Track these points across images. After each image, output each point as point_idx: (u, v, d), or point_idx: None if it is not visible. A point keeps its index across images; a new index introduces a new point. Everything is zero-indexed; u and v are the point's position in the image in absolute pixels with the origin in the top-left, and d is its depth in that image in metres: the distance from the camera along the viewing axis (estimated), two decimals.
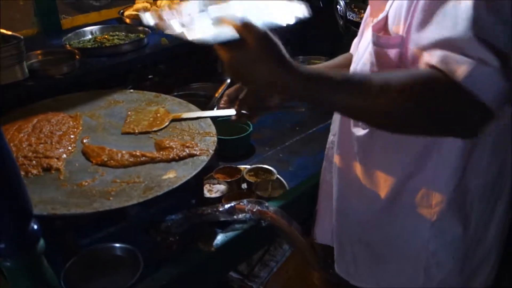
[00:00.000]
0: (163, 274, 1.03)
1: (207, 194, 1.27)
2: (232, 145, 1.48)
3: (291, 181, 1.36)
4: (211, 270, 1.14)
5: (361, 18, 1.11)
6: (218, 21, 0.75)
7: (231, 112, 1.18)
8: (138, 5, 1.95)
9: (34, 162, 1.07)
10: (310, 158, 1.47)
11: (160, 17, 0.80)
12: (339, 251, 1.11)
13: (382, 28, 0.85)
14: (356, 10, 1.92)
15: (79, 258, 1.00)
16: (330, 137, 1.15)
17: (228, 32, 0.73)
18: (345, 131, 1.02)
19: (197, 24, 0.78)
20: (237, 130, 1.51)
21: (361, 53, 0.96)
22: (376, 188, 0.97)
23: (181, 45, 1.70)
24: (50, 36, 1.74)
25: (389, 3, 0.84)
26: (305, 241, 1.15)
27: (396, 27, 0.81)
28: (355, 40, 1.12)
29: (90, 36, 1.74)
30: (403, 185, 0.93)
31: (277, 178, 1.36)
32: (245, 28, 0.71)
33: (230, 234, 1.14)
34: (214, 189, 1.29)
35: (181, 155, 1.11)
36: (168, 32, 0.78)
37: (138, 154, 1.11)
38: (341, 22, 1.80)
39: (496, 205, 0.97)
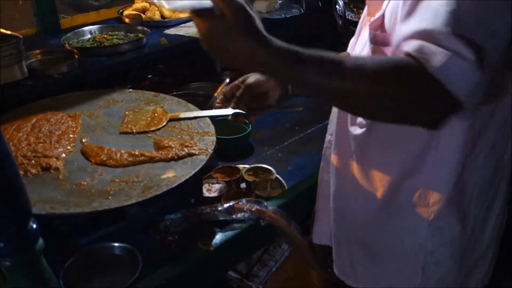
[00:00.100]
0: (162, 274, 1.03)
1: (206, 194, 1.27)
2: (231, 145, 1.48)
3: (290, 181, 1.36)
4: (210, 270, 1.15)
5: (360, 18, 1.11)
6: None
7: (229, 111, 1.19)
8: (137, 5, 1.95)
9: (33, 161, 1.07)
10: (309, 158, 1.47)
11: None
12: (337, 251, 1.11)
13: (379, 26, 0.85)
14: (355, 10, 1.92)
15: (78, 257, 1.00)
16: (328, 137, 1.15)
17: (207, 2, 0.72)
18: (342, 130, 1.02)
19: None
20: (236, 129, 1.51)
21: (358, 52, 0.96)
22: (373, 187, 0.97)
23: (180, 45, 1.70)
24: (49, 36, 1.74)
25: (385, 2, 0.84)
26: (304, 241, 1.15)
27: (393, 26, 0.81)
28: (352, 40, 1.12)
29: (89, 36, 1.74)
30: (400, 184, 0.93)
31: (276, 177, 1.36)
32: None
33: (229, 233, 1.15)
34: (213, 189, 1.29)
35: (180, 155, 1.11)
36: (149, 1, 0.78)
37: (137, 153, 1.11)
38: (340, 22, 1.80)
39: (494, 202, 0.97)
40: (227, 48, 0.72)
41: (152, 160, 1.10)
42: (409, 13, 0.73)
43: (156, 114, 1.30)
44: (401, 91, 0.69)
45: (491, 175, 0.94)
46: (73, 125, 1.24)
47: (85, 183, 1.03)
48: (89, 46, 1.64)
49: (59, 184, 1.02)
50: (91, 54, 1.58)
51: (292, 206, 1.26)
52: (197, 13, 0.73)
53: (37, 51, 1.56)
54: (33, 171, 1.05)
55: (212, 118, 1.29)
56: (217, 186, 1.30)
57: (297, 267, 1.43)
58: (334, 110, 1.10)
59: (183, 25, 1.82)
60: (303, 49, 0.72)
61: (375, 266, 1.03)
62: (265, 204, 1.10)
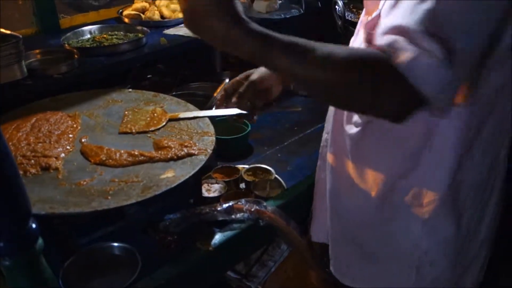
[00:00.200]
0: (162, 274, 1.03)
1: (205, 194, 1.27)
2: (230, 145, 1.48)
3: (289, 181, 1.36)
4: (210, 270, 1.15)
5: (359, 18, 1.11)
6: None
7: (229, 112, 1.18)
8: (137, 5, 1.95)
9: (32, 161, 1.07)
10: (308, 158, 1.47)
11: None
12: (333, 250, 1.11)
13: (375, 26, 0.86)
14: (354, 10, 1.92)
15: (77, 257, 1.00)
16: (324, 135, 1.15)
17: None
18: (337, 129, 1.03)
19: None
20: (236, 130, 1.51)
21: None
22: (368, 186, 0.97)
23: (180, 45, 1.70)
24: (49, 36, 1.74)
25: (381, 2, 0.85)
26: (303, 241, 1.15)
27: None
28: (352, 40, 1.12)
29: (89, 36, 1.74)
30: (394, 184, 0.93)
31: (275, 177, 1.36)
32: None
33: (228, 233, 1.15)
34: (212, 189, 1.29)
35: (179, 155, 1.11)
36: None
37: (136, 153, 1.11)
38: (340, 23, 1.80)
39: (489, 201, 0.97)
40: (205, 27, 0.74)
41: (151, 160, 1.10)
42: (391, 9, 0.74)
43: (155, 114, 1.30)
44: (367, 82, 0.71)
45: (486, 175, 0.94)
46: (73, 125, 1.24)
47: (85, 183, 1.03)
48: (88, 46, 1.64)
49: (59, 184, 1.02)
50: (91, 54, 1.58)
51: (292, 206, 1.26)
52: None
53: (37, 51, 1.56)
54: (33, 171, 1.05)
55: (211, 118, 1.29)
56: (217, 186, 1.30)
57: (296, 267, 1.43)
58: (331, 109, 1.10)
59: (182, 25, 1.81)
60: (277, 34, 0.74)
61: (371, 266, 1.03)
62: (265, 204, 1.10)
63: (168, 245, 1.07)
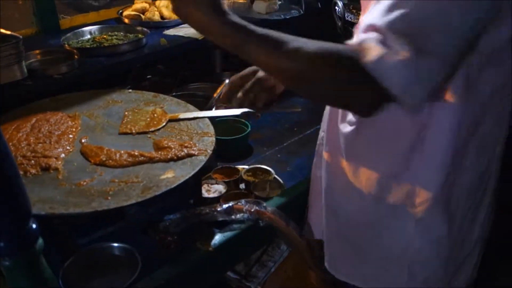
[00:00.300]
0: (161, 274, 1.03)
1: (205, 194, 1.27)
2: (230, 145, 1.48)
3: (289, 181, 1.36)
4: (209, 270, 1.15)
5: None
6: None
7: (228, 112, 1.18)
8: (137, 5, 1.96)
9: (32, 161, 1.07)
10: (308, 159, 1.46)
11: None
12: (328, 247, 1.11)
13: None
14: (354, 11, 1.92)
15: (77, 257, 1.00)
16: (321, 134, 1.16)
17: None
18: (332, 128, 1.03)
19: None
20: (236, 130, 1.51)
21: None
22: (362, 185, 0.97)
23: (180, 45, 1.70)
24: (49, 36, 1.74)
25: (373, 2, 0.85)
26: (303, 241, 1.15)
27: None
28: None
29: (89, 36, 1.74)
30: (387, 183, 0.94)
31: (275, 178, 1.36)
32: None
33: (228, 234, 1.15)
34: (212, 189, 1.29)
35: (179, 155, 1.11)
36: None
37: (136, 154, 1.12)
38: (339, 23, 1.80)
39: (482, 202, 0.98)
40: (189, 16, 0.82)
41: (151, 160, 1.10)
42: (372, 8, 0.76)
43: (155, 115, 1.30)
44: (332, 76, 0.75)
45: (480, 176, 0.94)
46: (73, 125, 1.24)
47: (85, 183, 1.03)
48: (88, 46, 1.65)
49: (59, 184, 1.02)
50: (91, 54, 1.58)
51: (291, 207, 1.26)
52: None
53: (37, 51, 1.56)
54: (33, 171, 1.05)
55: (211, 118, 1.30)
56: (216, 186, 1.30)
57: (296, 268, 1.43)
58: (327, 107, 1.11)
59: (182, 25, 1.82)
60: (254, 27, 0.80)
61: (364, 264, 1.04)
62: (264, 204, 1.10)
63: (168, 245, 1.07)
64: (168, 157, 1.11)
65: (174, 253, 1.08)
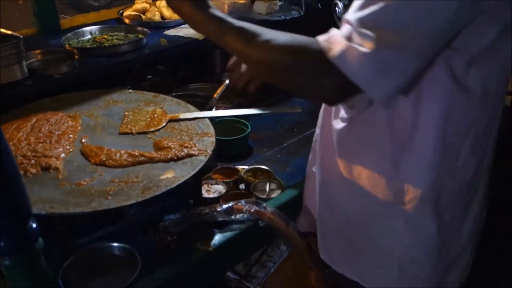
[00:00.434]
0: (161, 274, 1.03)
1: (205, 194, 1.27)
2: (230, 146, 1.48)
3: (288, 182, 1.36)
4: (209, 270, 1.15)
5: None
6: None
7: (229, 112, 1.19)
8: (137, 6, 1.96)
9: (33, 161, 1.07)
10: (307, 159, 1.47)
11: None
12: (322, 241, 1.12)
13: None
14: None
15: (77, 257, 1.00)
16: (316, 130, 1.16)
17: None
18: (326, 124, 1.04)
19: None
20: (236, 130, 1.51)
21: None
22: (354, 182, 0.98)
23: (180, 45, 1.70)
24: (49, 36, 1.74)
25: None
26: (303, 242, 1.15)
27: None
28: None
29: (89, 36, 1.74)
30: (378, 180, 0.94)
31: (275, 178, 1.36)
32: None
33: (228, 234, 1.15)
34: (212, 189, 1.29)
35: (179, 155, 1.12)
36: None
37: (136, 154, 1.12)
38: (340, 24, 1.81)
39: (471, 204, 0.98)
40: (179, 8, 0.91)
41: (151, 160, 1.11)
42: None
43: (155, 115, 1.30)
44: (299, 67, 0.80)
45: (470, 178, 0.94)
46: (73, 125, 1.24)
47: (85, 183, 1.03)
48: (89, 46, 1.64)
49: (59, 184, 1.02)
50: (91, 54, 1.58)
51: (291, 207, 1.26)
52: None
53: (37, 51, 1.56)
54: (33, 170, 1.05)
55: (211, 119, 1.30)
56: (216, 187, 1.30)
57: (295, 268, 1.44)
58: (322, 105, 1.11)
59: (183, 26, 1.82)
60: (233, 20, 0.88)
61: (357, 259, 1.04)
62: (264, 205, 1.10)
63: (168, 245, 1.07)
64: (168, 157, 1.11)
65: (174, 253, 1.08)
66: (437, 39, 0.74)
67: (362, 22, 0.73)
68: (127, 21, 1.86)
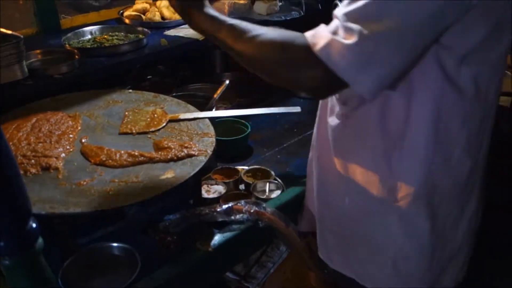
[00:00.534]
0: (161, 274, 1.03)
1: (205, 195, 1.27)
2: (230, 146, 1.48)
3: (288, 182, 1.36)
4: (209, 270, 1.15)
5: None
6: None
7: (229, 113, 1.19)
8: (137, 6, 1.96)
9: (33, 161, 1.07)
10: (307, 159, 1.47)
11: None
12: (321, 239, 1.12)
13: None
14: None
15: (77, 257, 1.00)
16: (315, 129, 1.17)
17: None
18: (322, 122, 1.05)
19: None
20: (235, 131, 1.51)
21: None
22: (348, 179, 0.98)
23: (180, 46, 1.70)
24: (50, 36, 1.74)
25: None
26: (302, 242, 1.15)
27: None
28: None
29: (89, 36, 1.74)
30: (372, 177, 0.95)
31: (275, 179, 1.36)
32: None
33: (228, 234, 1.15)
34: (212, 190, 1.29)
35: (179, 156, 1.12)
36: None
37: (136, 154, 1.12)
38: None
39: (467, 204, 0.98)
40: (179, 8, 0.96)
41: (151, 160, 1.11)
42: None
43: (155, 115, 1.30)
44: (286, 61, 0.83)
45: (465, 177, 0.94)
46: (73, 125, 1.24)
47: (85, 183, 1.03)
48: (89, 46, 1.65)
49: (59, 184, 1.02)
50: (91, 54, 1.58)
51: (291, 207, 1.26)
52: None
53: (38, 51, 1.56)
54: (33, 170, 1.05)
55: (211, 119, 1.30)
56: (216, 187, 1.30)
57: (295, 269, 1.44)
58: (320, 102, 1.12)
59: (183, 26, 1.82)
60: (225, 17, 0.93)
61: (352, 256, 1.05)
62: (264, 205, 1.10)
63: (168, 245, 1.08)
64: (168, 157, 1.11)
65: (173, 253, 1.08)
66: (421, 32, 0.74)
67: (348, 16, 0.75)
68: (127, 21, 1.87)
